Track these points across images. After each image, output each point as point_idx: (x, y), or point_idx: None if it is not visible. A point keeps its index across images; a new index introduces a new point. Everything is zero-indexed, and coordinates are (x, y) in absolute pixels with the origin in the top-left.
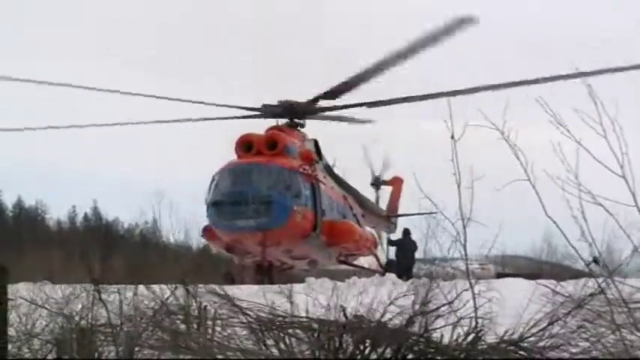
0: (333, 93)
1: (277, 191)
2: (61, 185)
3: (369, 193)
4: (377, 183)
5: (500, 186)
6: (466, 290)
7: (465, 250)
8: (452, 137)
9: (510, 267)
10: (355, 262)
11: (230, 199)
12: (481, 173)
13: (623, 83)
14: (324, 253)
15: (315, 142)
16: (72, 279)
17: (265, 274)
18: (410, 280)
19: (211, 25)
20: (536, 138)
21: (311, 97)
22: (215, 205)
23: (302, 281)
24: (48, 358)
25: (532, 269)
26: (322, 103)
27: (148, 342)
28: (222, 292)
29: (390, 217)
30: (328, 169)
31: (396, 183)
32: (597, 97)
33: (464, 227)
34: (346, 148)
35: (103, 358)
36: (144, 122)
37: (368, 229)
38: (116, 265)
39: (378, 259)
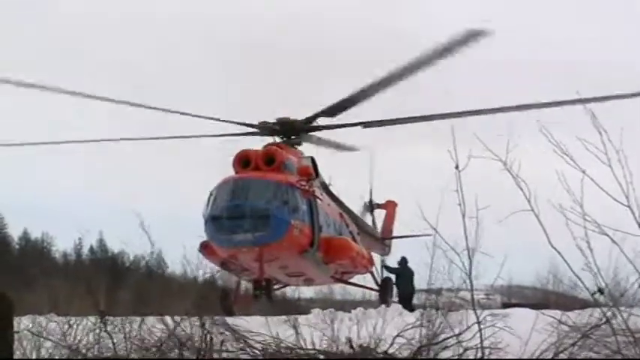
0: (331, 111)
1: (275, 206)
2: (66, 217)
3: (364, 216)
4: (371, 206)
5: (503, 216)
6: (475, 323)
7: (471, 280)
8: (456, 167)
9: (516, 297)
10: (351, 281)
11: (227, 213)
12: (485, 203)
13: (628, 109)
14: (321, 269)
15: (312, 160)
16: (78, 311)
17: (263, 290)
18: (416, 311)
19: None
20: (541, 167)
21: (309, 114)
22: (212, 220)
23: (308, 312)
24: None
25: (538, 299)
26: (319, 122)
27: None
28: (228, 324)
29: (384, 239)
30: (325, 187)
31: (390, 206)
32: (601, 126)
33: (469, 257)
34: (341, 172)
35: None
36: (138, 139)
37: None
38: (122, 296)
39: (374, 278)
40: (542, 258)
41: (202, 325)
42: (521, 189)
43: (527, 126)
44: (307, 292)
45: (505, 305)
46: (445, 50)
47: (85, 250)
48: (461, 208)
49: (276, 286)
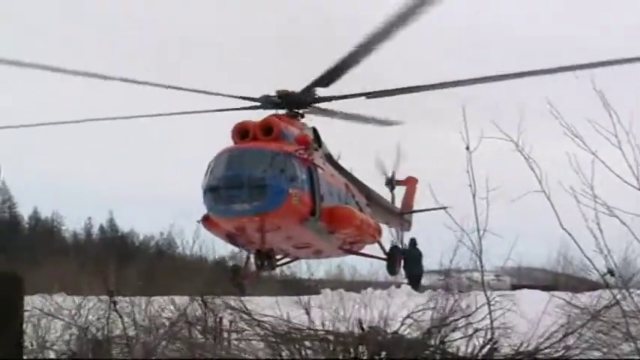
0: (324, 79)
1: (271, 174)
2: (77, 196)
3: (384, 193)
4: (391, 183)
5: (514, 197)
6: (484, 305)
7: (481, 261)
8: (467, 148)
9: (526, 279)
10: (360, 252)
11: (224, 183)
12: (496, 185)
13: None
14: (326, 239)
15: (314, 130)
16: (87, 291)
17: (265, 259)
18: (426, 292)
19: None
20: (552, 149)
21: (305, 85)
22: (210, 191)
23: (318, 293)
24: None
25: (548, 281)
26: (320, 93)
27: (164, 353)
28: (238, 304)
29: (402, 214)
30: (329, 158)
31: (411, 182)
32: (612, 108)
33: (479, 239)
34: (358, 149)
35: None
36: (141, 116)
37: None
38: (131, 276)
39: (382, 248)
40: (553, 240)
41: (212, 306)
42: (533, 170)
43: (538, 108)
44: (317, 272)
45: (515, 287)
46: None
47: (95, 230)
48: (471, 189)
49: (286, 259)
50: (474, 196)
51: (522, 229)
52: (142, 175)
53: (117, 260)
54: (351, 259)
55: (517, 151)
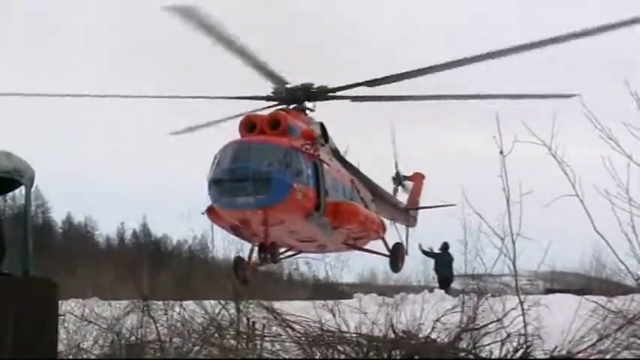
0: (377, 82)
1: (276, 168)
2: (110, 201)
3: (390, 188)
4: (398, 178)
5: (548, 201)
6: (516, 308)
7: (514, 265)
8: (501, 153)
9: (559, 283)
10: (364, 247)
11: (229, 176)
12: (529, 188)
13: None
14: (330, 234)
15: (322, 125)
16: (121, 295)
17: (268, 252)
18: (458, 296)
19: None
20: (585, 152)
21: (349, 82)
22: (215, 183)
23: (350, 297)
24: None
25: (581, 285)
26: (343, 92)
27: (197, 357)
28: (271, 308)
29: (408, 209)
30: (336, 153)
31: (417, 178)
32: None
33: (513, 243)
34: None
35: None
36: (154, 97)
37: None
38: (165, 281)
39: (386, 244)
40: (586, 244)
41: (245, 310)
42: (566, 174)
43: (572, 110)
44: (349, 276)
45: (548, 291)
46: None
47: (128, 235)
48: (505, 193)
49: (289, 253)
50: (507, 200)
51: (556, 233)
52: (175, 179)
53: (150, 265)
54: (384, 263)
55: (550, 155)
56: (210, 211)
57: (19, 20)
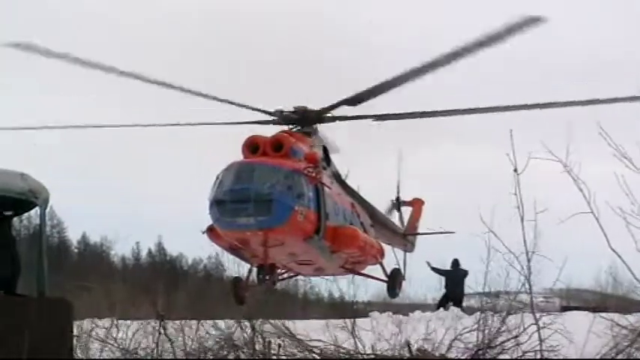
0: (355, 100)
1: (278, 190)
2: (125, 221)
3: (390, 214)
4: (397, 203)
5: (562, 219)
6: (533, 325)
7: (529, 283)
8: (515, 170)
9: (575, 300)
10: (362, 272)
11: (230, 197)
12: (543, 206)
13: None
14: (329, 258)
15: (324, 148)
16: (137, 315)
17: (267, 273)
18: (473, 315)
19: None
20: (600, 170)
21: (328, 104)
22: (216, 203)
23: (366, 315)
24: None
25: (597, 302)
26: (335, 112)
27: None
28: (286, 328)
29: (405, 235)
30: (337, 177)
31: (417, 204)
32: None
33: (527, 260)
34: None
35: None
36: (154, 125)
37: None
38: (180, 300)
39: (384, 269)
40: (602, 261)
41: (259, 329)
42: (581, 191)
43: (586, 128)
44: (365, 295)
45: (564, 308)
46: (484, 41)
47: (144, 254)
48: (519, 211)
49: (287, 275)
50: (522, 218)
51: (571, 250)
52: (189, 198)
53: (165, 284)
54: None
55: (565, 172)
56: (210, 231)
57: None
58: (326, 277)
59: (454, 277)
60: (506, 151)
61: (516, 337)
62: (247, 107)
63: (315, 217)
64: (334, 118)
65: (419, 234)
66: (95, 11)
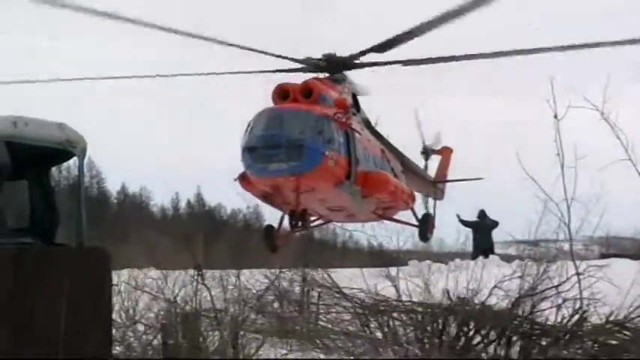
0: (384, 46)
1: (309, 135)
2: (164, 171)
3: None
4: (426, 152)
5: (601, 167)
6: (573, 274)
7: (569, 230)
8: (555, 117)
9: (615, 248)
10: (393, 217)
11: (262, 143)
12: (582, 154)
13: None
14: (360, 203)
15: (354, 95)
16: (176, 265)
17: (299, 220)
18: (514, 262)
19: None
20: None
21: (356, 51)
22: (248, 150)
23: (405, 264)
24: (153, 342)
25: (637, 250)
26: (364, 59)
27: (252, 326)
28: (326, 277)
29: (435, 182)
30: (367, 124)
31: (445, 152)
32: None
33: (568, 208)
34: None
35: (208, 342)
36: (177, 75)
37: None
38: (220, 250)
39: (415, 214)
40: None
41: (300, 279)
42: (619, 138)
43: (624, 74)
44: (404, 243)
45: (603, 256)
46: None
47: (183, 205)
48: (560, 158)
49: (319, 222)
50: (562, 165)
51: (611, 197)
52: (227, 148)
53: (205, 234)
54: (437, 230)
55: (603, 119)
56: (242, 179)
57: None
58: (358, 222)
59: (482, 227)
60: (545, 99)
61: (557, 285)
62: (275, 55)
63: (346, 162)
64: (363, 65)
65: (448, 181)
66: None
